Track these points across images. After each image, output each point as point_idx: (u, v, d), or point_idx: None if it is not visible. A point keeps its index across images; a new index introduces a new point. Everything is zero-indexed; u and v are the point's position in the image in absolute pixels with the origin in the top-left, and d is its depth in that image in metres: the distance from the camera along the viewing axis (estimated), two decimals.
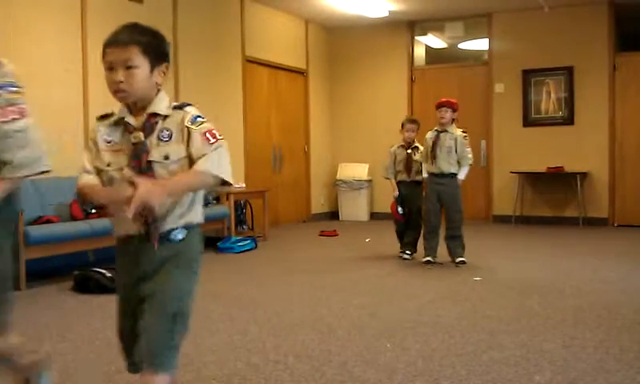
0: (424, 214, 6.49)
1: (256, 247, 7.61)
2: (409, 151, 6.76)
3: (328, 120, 11.45)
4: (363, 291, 5.17)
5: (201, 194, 2.25)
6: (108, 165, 2.18)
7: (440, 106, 6.38)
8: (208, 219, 7.39)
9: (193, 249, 2.21)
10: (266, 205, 8.63)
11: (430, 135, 6.42)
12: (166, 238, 2.13)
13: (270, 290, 5.29)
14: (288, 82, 10.46)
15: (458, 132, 6.36)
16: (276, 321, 4.25)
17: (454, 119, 6.40)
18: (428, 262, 6.34)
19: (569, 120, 9.83)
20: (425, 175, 6.49)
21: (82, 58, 6.77)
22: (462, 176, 6.36)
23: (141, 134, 2.15)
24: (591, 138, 9.69)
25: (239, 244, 7.44)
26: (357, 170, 11.03)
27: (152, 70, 2.16)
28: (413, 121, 6.99)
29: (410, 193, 6.73)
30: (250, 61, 9.40)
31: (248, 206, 8.83)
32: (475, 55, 10.99)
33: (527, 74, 10.06)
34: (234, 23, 9.13)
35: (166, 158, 2.13)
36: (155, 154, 2.13)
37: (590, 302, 4.65)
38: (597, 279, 5.55)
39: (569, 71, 9.78)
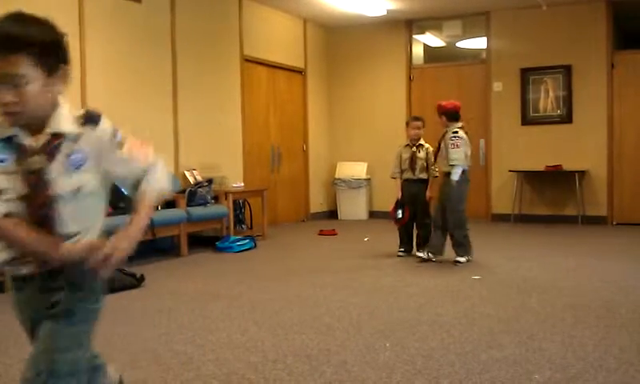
0: (462, 209, 6.42)
1: (255, 247, 7.61)
2: (413, 149, 6.79)
3: (326, 119, 11.45)
4: (362, 290, 5.17)
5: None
6: (0, 192, 1.71)
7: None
8: (207, 218, 7.43)
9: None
10: (265, 204, 8.63)
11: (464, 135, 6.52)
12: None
13: (269, 289, 5.29)
14: (286, 81, 10.45)
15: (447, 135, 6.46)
16: (275, 320, 4.24)
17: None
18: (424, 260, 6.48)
19: (567, 118, 9.84)
20: (437, 173, 6.65)
21: (80, 57, 6.76)
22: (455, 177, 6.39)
23: (41, 159, 1.71)
24: (590, 136, 9.69)
25: (238, 243, 7.44)
26: (355, 169, 11.03)
27: (49, 79, 1.71)
28: (418, 118, 7.05)
29: (416, 191, 6.75)
30: (248, 60, 9.39)
31: (247, 206, 8.83)
32: (473, 54, 10.99)
33: (525, 73, 10.05)
34: (232, 22, 9.13)
35: (78, 190, 1.75)
36: (62, 185, 1.72)
37: (589, 301, 4.65)
38: (596, 277, 5.55)
39: (567, 70, 9.78)
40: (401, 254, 6.82)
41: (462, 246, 6.34)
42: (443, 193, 6.39)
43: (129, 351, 3.60)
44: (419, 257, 6.63)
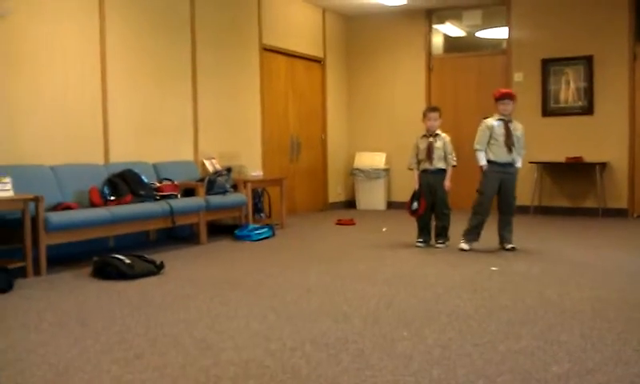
0: (483, 201, 6.50)
1: (273, 235, 7.64)
2: (430, 139, 6.77)
3: (345, 109, 11.44)
4: (380, 280, 5.17)
5: None
6: None
7: (502, 97, 6.48)
8: (226, 207, 7.47)
9: None
10: (284, 193, 8.65)
11: (496, 123, 6.45)
12: None
13: (288, 278, 5.31)
14: (305, 70, 10.45)
15: (519, 125, 6.57)
16: (293, 308, 4.27)
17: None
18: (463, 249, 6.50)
19: (588, 110, 9.75)
20: (482, 162, 6.47)
21: (100, 44, 6.81)
22: (519, 164, 6.57)
23: None
24: (611, 127, 9.60)
25: (257, 232, 7.47)
26: (374, 159, 11.02)
27: None
28: (435, 109, 7.01)
29: (434, 181, 6.75)
30: (267, 49, 9.40)
31: (265, 194, 8.86)
32: (494, 44, 10.91)
33: (546, 63, 9.97)
34: (251, 11, 9.13)
35: None
36: None
37: (608, 293, 4.62)
38: (616, 270, 5.52)
39: (588, 60, 9.69)
40: (419, 244, 6.81)
41: (511, 231, 6.54)
42: (513, 181, 6.49)
43: (148, 337, 3.64)
44: (439, 247, 6.67)
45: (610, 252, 6.48)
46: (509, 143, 6.37)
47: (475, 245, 6.52)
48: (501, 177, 6.43)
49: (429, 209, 6.78)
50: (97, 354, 3.35)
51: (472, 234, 6.51)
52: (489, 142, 6.43)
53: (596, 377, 2.95)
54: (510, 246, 6.48)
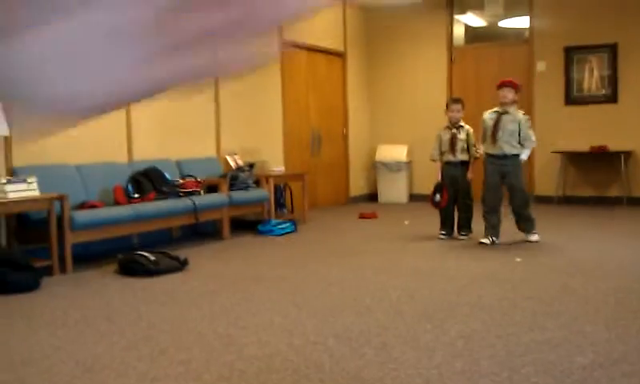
0: (483, 192, 6.43)
1: (296, 230, 7.66)
2: (453, 131, 6.76)
3: (366, 101, 11.42)
4: (402, 273, 5.17)
5: None
6: None
7: (502, 85, 6.35)
8: (248, 202, 7.50)
9: None
10: (306, 188, 8.66)
11: (489, 116, 6.39)
12: None
13: (310, 272, 5.33)
14: (326, 64, 10.44)
15: (520, 115, 6.39)
16: (316, 302, 4.28)
17: (515, 100, 6.37)
18: (492, 242, 6.33)
19: (612, 98, 9.63)
20: (478, 154, 6.53)
21: None
22: (524, 156, 6.37)
23: None
24: (635, 116, 9.47)
25: (279, 227, 7.50)
26: (396, 152, 10.99)
27: None
28: (457, 100, 7.02)
29: (457, 173, 6.73)
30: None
31: (287, 189, 8.88)
32: (516, 33, 10.81)
33: (569, 52, 9.86)
34: None
35: None
36: None
37: (632, 283, 4.58)
38: None
39: (612, 48, 9.57)
40: (442, 236, 6.79)
41: (529, 222, 6.41)
42: (510, 173, 6.30)
43: (172, 333, 3.68)
44: (462, 239, 6.65)
45: (635, 241, 6.40)
46: (494, 136, 6.26)
47: (497, 240, 6.41)
48: (499, 169, 6.31)
49: (451, 201, 6.77)
50: (122, 350, 3.39)
51: (486, 228, 6.41)
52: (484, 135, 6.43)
53: (621, 367, 2.93)
54: (532, 238, 6.35)
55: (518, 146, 6.29)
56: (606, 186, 9.72)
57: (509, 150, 6.26)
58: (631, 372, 2.87)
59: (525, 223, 6.42)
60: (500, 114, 6.30)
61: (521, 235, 6.48)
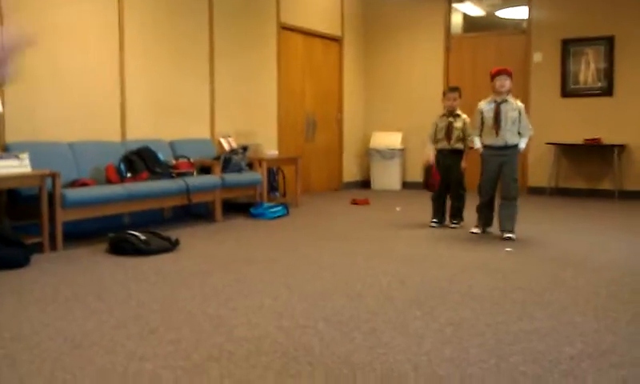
0: (480, 184, 6.29)
1: (288, 214, 7.66)
2: (450, 119, 6.75)
3: (362, 88, 11.39)
4: (394, 259, 5.17)
5: None
6: None
7: (498, 73, 6.12)
8: (241, 185, 7.49)
9: None
10: (299, 172, 8.65)
11: (486, 106, 6.17)
12: None
13: (301, 256, 5.33)
14: (323, 49, 10.40)
15: (519, 103, 6.18)
16: (306, 286, 4.28)
17: (510, 89, 6.18)
18: (483, 231, 6.35)
19: (608, 91, 9.64)
20: (477, 146, 6.26)
21: (119, 24, 6.81)
22: (523, 145, 6.18)
23: None
24: (630, 109, 9.49)
25: (271, 210, 7.49)
26: (390, 139, 10.98)
27: None
28: (454, 89, 6.97)
29: (451, 162, 6.73)
30: (284, 28, 9.36)
31: (281, 173, 8.86)
32: (514, 23, 10.78)
33: (566, 44, 9.86)
34: None
35: None
36: None
37: (623, 275, 4.59)
38: (631, 252, 5.48)
39: (609, 41, 9.56)
40: (434, 224, 6.80)
41: (514, 216, 6.12)
42: (508, 165, 6.10)
43: (163, 312, 3.67)
44: (453, 228, 6.65)
45: (626, 234, 6.42)
46: (495, 127, 6.04)
47: (489, 228, 6.39)
48: (499, 160, 6.10)
49: (444, 189, 6.77)
50: (112, 328, 3.38)
51: (479, 218, 6.37)
52: (481, 126, 6.19)
53: (609, 358, 2.94)
54: (506, 235, 6.04)
55: (518, 135, 6.12)
56: (599, 178, 9.74)
57: (511, 139, 6.08)
58: (619, 363, 2.88)
59: (509, 218, 6.10)
60: (498, 104, 6.09)
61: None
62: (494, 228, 6.34)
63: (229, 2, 8.30)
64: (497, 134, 6.07)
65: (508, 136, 6.07)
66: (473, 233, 6.35)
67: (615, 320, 3.52)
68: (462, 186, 6.78)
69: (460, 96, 6.85)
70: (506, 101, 6.11)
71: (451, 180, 6.75)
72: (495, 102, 6.13)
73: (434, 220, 6.85)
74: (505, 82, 6.09)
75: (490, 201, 6.29)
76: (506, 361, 2.90)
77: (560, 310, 3.72)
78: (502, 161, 6.13)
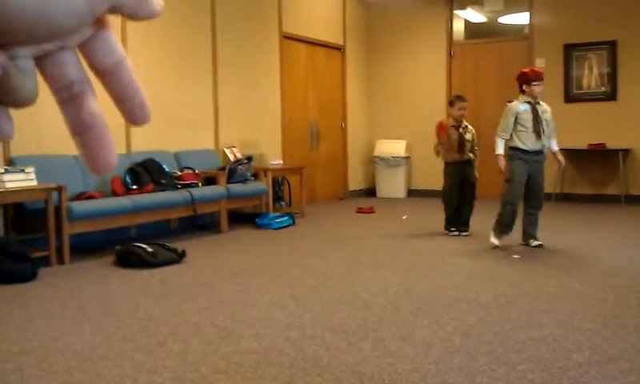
0: (508, 191, 5.87)
1: (294, 224, 7.66)
2: (460, 131, 6.66)
3: (365, 96, 11.41)
4: (400, 268, 5.17)
5: None
6: None
7: (538, 78, 5.78)
8: (246, 195, 7.49)
9: None
10: (304, 182, 8.66)
11: (523, 107, 5.81)
12: None
13: (308, 266, 5.33)
14: (325, 57, 10.43)
15: (547, 105, 5.93)
16: (313, 296, 4.28)
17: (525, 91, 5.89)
18: (497, 247, 5.91)
19: (611, 96, 9.63)
20: (499, 151, 5.90)
21: (121, 32, 6.84)
22: (557, 147, 6.02)
23: None
24: (634, 114, 9.48)
25: (277, 220, 7.49)
26: (394, 147, 10.98)
27: None
28: (463, 98, 6.79)
29: (465, 172, 6.67)
30: (287, 37, 9.39)
31: (286, 183, 8.87)
32: (515, 29, 10.80)
33: (569, 49, 9.86)
34: None
35: None
36: None
37: (630, 281, 4.59)
38: (638, 258, 5.47)
39: (612, 45, 9.56)
40: (453, 233, 6.72)
41: (537, 225, 5.96)
42: (539, 170, 5.86)
43: (170, 324, 3.67)
44: (462, 235, 6.61)
45: (633, 240, 6.41)
46: (537, 129, 5.75)
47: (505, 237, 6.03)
48: (530, 166, 5.81)
49: (460, 198, 6.68)
50: (120, 341, 3.39)
51: (505, 227, 5.91)
52: (516, 129, 5.82)
53: (618, 364, 2.93)
54: (536, 243, 5.90)
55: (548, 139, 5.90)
56: (604, 183, 9.73)
57: (547, 143, 5.86)
58: (628, 369, 2.88)
59: (535, 227, 5.95)
60: (533, 106, 5.78)
61: (515, 233, 6.03)
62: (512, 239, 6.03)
63: (231, 11, 8.34)
64: (538, 136, 5.77)
65: (546, 140, 5.85)
66: (497, 247, 5.92)
67: (623, 326, 3.52)
68: (474, 195, 6.75)
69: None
70: (539, 103, 5.85)
71: (466, 189, 6.71)
72: (530, 103, 5.81)
73: (453, 228, 6.76)
74: (542, 88, 5.83)
75: (516, 210, 5.91)
76: (514, 369, 2.90)
77: (567, 317, 3.71)
78: (533, 167, 5.83)
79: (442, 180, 6.84)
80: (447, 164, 6.77)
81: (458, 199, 6.72)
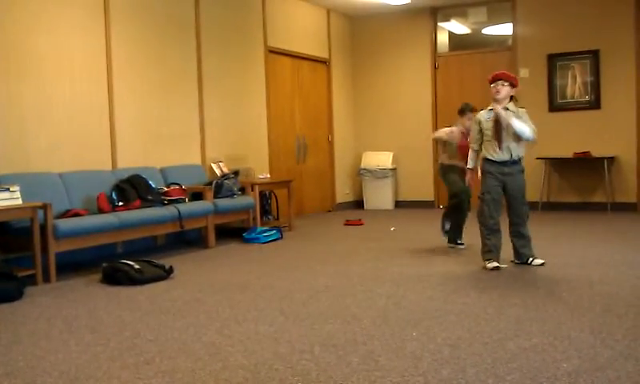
0: (484, 208, 5.50)
1: (281, 237, 7.65)
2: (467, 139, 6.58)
3: (351, 109, 11.44)
4: (388, 280, 5.17)
5: None
6: None
7: (493, 79, 5.53)
8: (234, 210, 7.47)
9: None
10: (291, 195, 8.65)
11: (485, 116, 5.54)
12: None
13: (296, 279, 5.31)
14: (311, 71, 10.45)
15: (520, 109, 5.55)
16: (302, 310, 4.27)
17: (510, 96, 5.52)
18: (497, 268, 5.44)
19: (595, 104, 9.72)
20: (470, 165, 5.71)
21: (106, 49, 6.83)
22: (531, 136, 5.44)
23: None
24: (618, 121, 9.56)
25: (265, 234, 7.48)
26: (381, 159, 11.01)
27: None
28: (474, 108, 6.53)
29: (463, 179, 6.48)
30: (272, 51, 9.41)
31: (273, 197, 8.86)
32: (499, 40, 10.88)
33: (552, 59, 9.94)
34: (255, 13, 9.14)
35: None
36: None
37: (618, 289, 4.60)
38: (625, 265, 5.49)
39: (594, 55, 9.65)
40: (461, 246, 6.59)
41: (529, 241, 5.59)
42: (518, 180, 5.52)
43: (157, 342, 3.65)
44: (452, 247, 6.55)
45: (620, 247, 6.45)
46: (497, 138, 5.38)
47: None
48: (504, 178, 5.44)
49: (462, 208, 6.54)
50: (107, 359, 3.36)
51: (489, 250, 5.50)
52: (483, 139, 5.52)
53: (606, 373, 2.94)
54: (538, 261, 5.50)
55: (523, 148, 5.51)
56: (590, 191, 9.79)
57: (516, 152, 5.43)
58: (617, 377, 2.88)
59: (526, 243, 5.56)
60: (497, 113, 5.42)
61: (503, 243, 5.71)
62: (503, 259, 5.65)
63: (216, 27, 8.35)
64: (499, 146, 5.42)
65: (513, 147, 5.42)
66: (496, 268, 5.41)
67: (611, 334, 3.53)
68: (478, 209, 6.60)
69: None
70: (506, 109, 5.45)
71: (463, 196, 6.50)
72: (493, 110, 5.49)
73: (461, 242, 6.62)
74: (500, 88, 5.46)
75: (499, 227, 5.53)
76: (503, 379, 2.89)
77: (556, 326, 3.72)
78: (505, 180, 5.46)
79: (433, 190, 6.73)
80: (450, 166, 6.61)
81: (466, 208, 6.56)
